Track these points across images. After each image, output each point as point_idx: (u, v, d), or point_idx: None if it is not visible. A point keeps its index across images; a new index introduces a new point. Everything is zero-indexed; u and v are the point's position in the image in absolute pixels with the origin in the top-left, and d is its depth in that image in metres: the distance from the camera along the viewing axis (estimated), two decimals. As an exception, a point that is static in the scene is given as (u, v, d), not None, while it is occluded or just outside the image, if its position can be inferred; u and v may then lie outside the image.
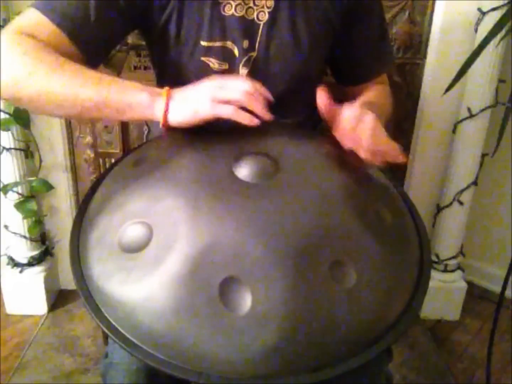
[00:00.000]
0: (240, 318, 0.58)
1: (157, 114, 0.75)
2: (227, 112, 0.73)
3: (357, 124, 0.75)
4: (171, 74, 0.96)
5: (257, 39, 0.90)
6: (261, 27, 0.90)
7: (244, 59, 0.91)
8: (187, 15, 0.88)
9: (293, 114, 0.99)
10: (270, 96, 0.78)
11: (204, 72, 0.91)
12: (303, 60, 0.94)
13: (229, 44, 0.90)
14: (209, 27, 0.89)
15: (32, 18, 0.81)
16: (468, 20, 1.43)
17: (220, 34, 0.89)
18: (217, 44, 0.90)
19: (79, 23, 0.81)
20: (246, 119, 0.73)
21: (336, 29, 0.95)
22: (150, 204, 0.66)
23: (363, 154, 0.75)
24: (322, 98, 0.79)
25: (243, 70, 0.92)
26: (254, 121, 0.73)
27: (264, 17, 0.90)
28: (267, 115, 0.75)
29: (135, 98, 0.75)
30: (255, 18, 0.90)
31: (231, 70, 0.91)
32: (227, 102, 0.73)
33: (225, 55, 0.91)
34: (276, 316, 0.58)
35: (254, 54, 0.91)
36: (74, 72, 0.76)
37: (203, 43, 0.90)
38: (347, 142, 0.77)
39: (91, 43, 0.84)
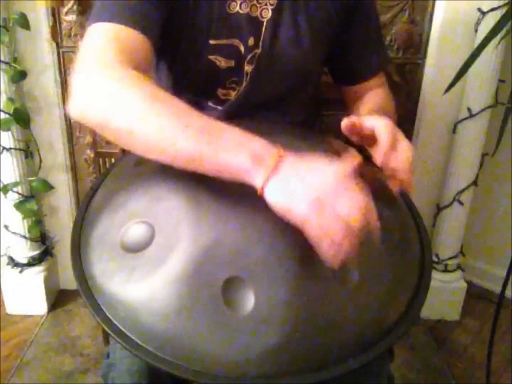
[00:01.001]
0: (243, 318, 0.58)
1: (256, 185, 0.60)
2: (317, 238, 0.57)
3: (393, 141, 0.74)
4: (177, 72, 0.97)
5: (261, 36, 0.91)
6: (264, 24, 0.91)
7: (249, 56, 0.92)
8: (198, 14, 0.89)
9: (295, 113, 1.00)
10: (376, 230, 0.60)
11: (211, 70, 0.92)
12: (304, 58, 0.94)
13: (235, 41, 0.91)
14: (216, 25, 0.89)
15: (105, 32, 0.75)
16: (468, 20, 1.43)
17: (227, 32, 0.90)
18: (224, 42, 0.90)
19: (149, 17, 0.78)
20: (327, 256, 0.57)
21: (336, 28, 0.96)
22: (152, 204, 0.66)
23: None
24: (345, 124, 0.76)
25: (247, 67, 0.92)
26: (335, 264, 0.57)
27: (268, 14, 0.90)
28: (353, 263, 0.60)
29: (234, 161, 0.60)
30: (259, 15, 0.90)
31: (237, 67, 0.92)
32: (324, 224, 0.56)
33: (231, 53, 0.91)
34: (278, 316, 0.58)
35: (258, 51, 0.91)
36: (174, 112, 0.63)
37: (211, 41, 0.90)
38: (381, 160, 0.75)
39: (158, 35, 0.80)
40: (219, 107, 0.97)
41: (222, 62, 0.91)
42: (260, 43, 0.91)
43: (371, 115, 0.82)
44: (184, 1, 0.87)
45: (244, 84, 0.94)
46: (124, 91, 0.65)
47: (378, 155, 0.75)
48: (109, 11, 0.76)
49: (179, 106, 0.64)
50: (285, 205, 0.58)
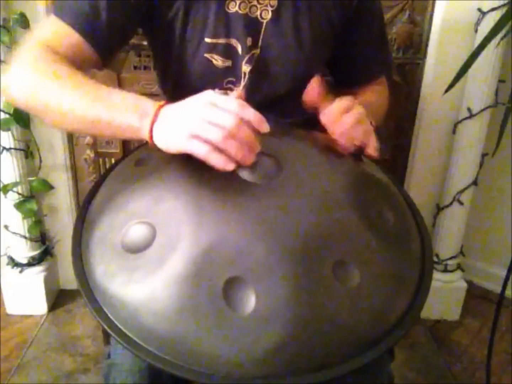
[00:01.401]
0: (244, 318, 0.58)
1: (145, 136, 0.70)
2: (200, 152, 0.65)
3: (345, 111, 0.77)
4: (174, 72, 0.96)
5: (260, 37, 0.91)
6: (264, 25, 0.91)
7: (247, 57, 0.92)
8: (193, 12, 0.89)
9: (295, 114, 0.99)
10: (266, 128, 0.67)
11: (207, 69, 0.92)
12: (305, 60, 0.94)
13: (232, 41, 0.91)
14: (213, 24, 0.90)
15: (49, 24, 0.84)
16: (468, 20, 1.43)
17: (224, 31, 0.90)
18: (221, 41, 0.91)
19: (91, 20, 0.83)
20: (218, 164, 0.65)
21: (338, 30, 0.96)
22: (152, 204, 0.66)
23: (338, 136, 0.77)
24: (314, 87, 0.81)
25: (245, 67, 0.92)
26: (227, 167, 0.65)
27: (267, 15, 0.90)
28: (246, 160, 0.66)
29: (126, 120, 0.70)
30: (259, 16, 0.90)
31: (234, 67, 0.92)
32: (206, 141, 0.64)
33: (228, 52, 0.91)
34: (279, 316, 0.58)
35: (257, 51, 0.92)
36: (74, 86, 0.74)
37: (207, 40, 0.90)
38: (330, 126, 0.78)
39: (104, 40, 0.85)
40: None
41: (219, 61, 0.92)
42: (259, 44, 0.91)
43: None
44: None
45: (242, 84, 0.94)
46: (38, 75, 0.76)
47: (326, 115, 0.78)
48: (62, 5, 0.85)
49: (77, 79, 0.75)
50: (167, 143, 0.68)
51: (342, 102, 0.78)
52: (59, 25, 0.82)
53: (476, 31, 1.42)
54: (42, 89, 0.75)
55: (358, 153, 0.79)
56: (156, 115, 0.69)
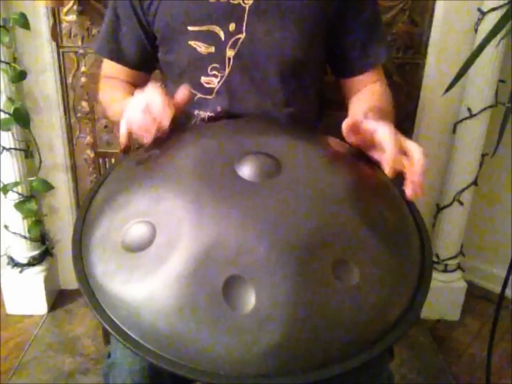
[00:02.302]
0: (244, 317, 0.58)
1: None
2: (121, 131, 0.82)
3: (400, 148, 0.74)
4: (170, 63, 1.02)
5: (244, 21, 0.93)
6: (247, 9, 0.93)
7: (230, 41, 0.94)
8: (173, 4, 0.94)
9: (291, 104, 0.99)
10: (164, 124, 0.79)
11: (193, 55, 0.96)
12: (291, 44, 0.95)
13: (215, 27, 0.93)
14: (194, 12, 0.93)
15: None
16: (468, 20, 1.43)
17: (205, 19, 0.93)
18: (203, 28, 0.94)
19: (109, 40, 1.06)
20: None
21: (331, 16, 0.97)
22: (153, 203, 0.66)
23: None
24: (345, 127, 0.77)
25: (230, 52, 0.94)
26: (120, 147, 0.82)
27: (249, 0, 0.92)
28: (121, 145, 0.82)
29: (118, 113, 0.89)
30: (241, 2, 0.92)
31: (218, 52, 0.95)
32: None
33: (211, 39, 0.94)
34: (279, 315, 0.58)
35: (242, 36, 0.93)
36: (111, 100, 1.06)
37: (190, 27, 0.94)
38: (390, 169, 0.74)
39: (129, 56, 1.05)
40: (208, 97, 0.98)
41: (202, 48, 0.95)
42: (244, 28, 0.93)
43: (369, 114, 0.81)
44: None
45: (228, 69, 0.95)
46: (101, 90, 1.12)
47: (386, 162, 0.74)
48: (96, 43, 1.11)
49: (112, 91, 1.07)
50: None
51: (393, 145, 0.74)
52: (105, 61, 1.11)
53: (476, 31, 1.42)
54: (103, 98, 1.12)
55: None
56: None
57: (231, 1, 0.92)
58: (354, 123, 0.77)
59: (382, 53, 1.04)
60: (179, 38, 0.96)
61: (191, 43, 0.95)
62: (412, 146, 0.74)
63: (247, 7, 0.92)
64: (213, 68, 0.96)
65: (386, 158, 0.74)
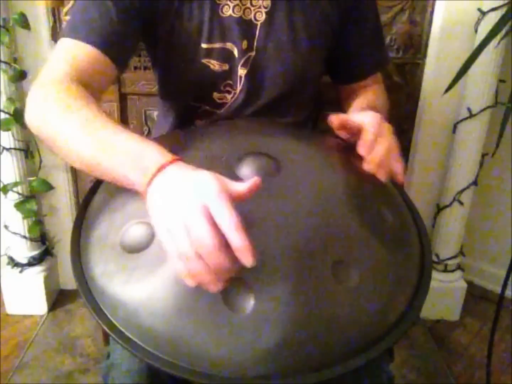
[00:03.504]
0: (242, 318, 0.58)
1: (140, 191, 0.63)
2: (168, 251, 0.57)
3: (378, 133, 0.77)
4: (173, 77, 0.96)
5: (255, 39, 0.91)
6: (258, 27, 0.91)
7: (243, 59, 0.92)
8: (187, 18, 0.89)
9: (294, 114, 0.99)
10: (247, 261, 0.54)
11: (205, 73, 0.92)
12: (302, 60, 0.94)
13: (228, 45, 0.91)
14: (208, 29, 0.89)
15: (63, 46, 0.83)
16: (468, 20, 1.43)
17: (219, 36, 0.90)
18: (217, 45, 0.90)
19: (106, 33, 0.82)
20: (178, 270, 0.56)
21: (335, 28, 0.96)
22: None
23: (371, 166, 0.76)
24: (334, 121, 0.79)
25: (242, 70, 0.92)
26: (187, 281, 0.56)
27: (261, 17, 0.90)
28: (209, 287, 0.56)
29: (123, 173, 0.65)
30: (253, 18, 0.90)
31: (231, 70, 0.92)
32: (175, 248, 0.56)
33: (225, 56, 0.91)
34: (278, 316, 0.58)
35: (252, 54, 0.92)
36: (82, 124, 0.70)
37: (203, 45, 0.90)
38: (368, 155, 0.77)
39: (119, 49, 0.85)
40: (217, 111, 0.97)
41: (216, 66, 0.91)
42: (255, 46, 0.91)
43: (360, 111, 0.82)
44: (169, 6, 0.88)
45: (239, 87, 0.94)
46: (49, 105, 0.73)
47: (362, 145, 0.77)
48: (72, 26, 0.84)
49: (86, 114, 0.71)
50: (154, 215, 0.59)
51: (373, 128, 0.77)
52: (73, 44, 0.81)
53: (476, 31, 1.41)
54: (52, 121, 0.72)
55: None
56: (153, 177, 0.61)
57: (244, 17, 0.90)
58: (340, 120, 0.79)
59: (384, 59, 1.05)
60: (191, 55, 0.91)
61: (204, 61, 0.91)
62: (387, 133, 0.77)
63: (259, 23, 0.91)
64: (227, 85, 0.94)
65: (363, 140, 0.76)
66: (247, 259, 0.53)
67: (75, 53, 0.81)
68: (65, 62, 0.80)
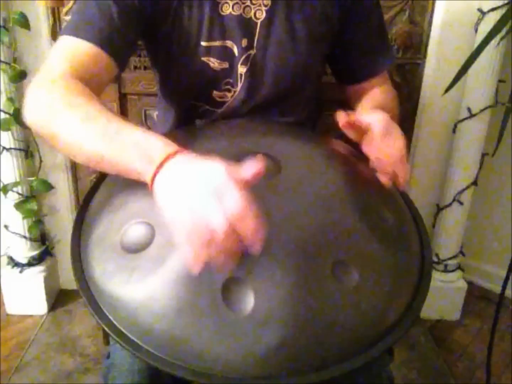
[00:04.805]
0: (243, 318, 0.58)
1: (147, 182, 0.64)
2: (178, 237, 0.57)
3: (385, 135, 0.76)
4: (173, 76, 0.96)
5: (255, 37, 0.91)
6: (258, 25, 0.91)
7: (243, 57, 0.92)
8: (187, 17, 0.89)
9: (294, 113, 0.99)
10: (256, 248, 0.56)
11: (205, 72, 0.91)
12: (301, 59, 0.94)
13: (228, 43, 0.91)
14: (208, 27, 0.89)
15: (63, 44, 0.83)
16: (468, 20, 1.43)
17: (219, 34, 0.90)
18: (217, 43, 0.91)
19: (107, 31, 0.82)
20: (188, 257, 0.57)
21: (336, 27, 0.96)
22: (152, 204, 0.66)
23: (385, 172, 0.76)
24: (341, 119, 0.77)
25: (241, 69, 0.92)
26: (194, 267, 0.56)
27: (261, 15, 0.90)
28: (218, 269, 0.57)
29: (129, 164, 0.66)
30: (253, 17, 0.90)
31: (231, 68, 0.92)
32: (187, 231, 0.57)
33: (225, 54, 0.91)
34: (278, 317, 0.58)
35: (253, 52, 0.92)
36: (85, 118, 0.70)
37: (203, 43, 0.90)
38: (373, 155, 0.77)
39: (120, 47, 0.85)
40: (217, 110, 0.97)
41: (215, 64, 0.91)
42: (255, 44, 0.91)
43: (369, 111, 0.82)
44: (168, 5, 0.88)
45: (239, 85, 0.94)
46: (52, 102, 0.73)
47: (368, 146, 0.76)
48: (72, 25, 0.84)
49: (89, 110, 0.71)
50: (162, 203, 0.60)
51: (379, 128, 0.76)
52: (74, 42, 0.81)
53: (476, 31, 1.41)
54: (54, 117, 0.73)
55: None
56: (160, 166, 0.62)
57: (244, 15, 0.90)
58: (349, 120, 0.77)
59: (389, 58, 1.05)
60: (191, 53, 0.91)
61: (204, 59, 0.91)
62: (396, 135, 0.76)
63: (259, 22, 0.91)
64: (227, 83, 0.94)
65: (370, 140, 0.75)
66: (255, 247, 0.55)
67: (75, 50, 0.81)
68: (65, 59, 0.80)
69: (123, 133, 0.68)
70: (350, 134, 0.81)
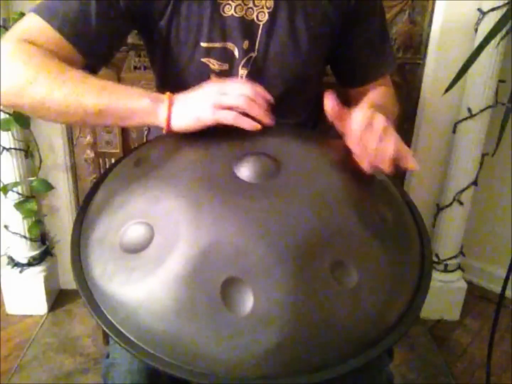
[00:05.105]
0: (242, 318, 0.58)
1: (160, 120, 0.75)
2: (228, 118, 0.73)
3: (367, 127, 0.72)
4: (172, 76, 0.96)
5: (257, 39, 0.91)
6: (260, 27, 0.90)
7: (244, 60, 0.91)
8: (186, 17, 0.88)
9: (294, 115, 0.99)
10: (270, 98, 0.77)
11: (205, 73, 0.91)
12: (302, 61, 0.94)
13: (229, 45, 0.90)
14: (208, 28, 0.89)
15: (32, 24, 0.82)
16: (468, 20, 1.43)
17: (220, 35, 0.90)
18: (217, 45, 0.90)
19: (80, 27, 0.82)
20: (247, 125, 0.73)
21: (337, 30, 0.95)
22: (151, 204, 0.66)
23: (367, 162, 0.73)
24: (329, 102, 0.75)
25: (242, 71, 0.92)
26: (255, 126, 0.74)
27: (264, 17, 0.90)
28: (267, 119, 0.75)
29: (137, 104, 0.75)
30: (255, 19, 0.90)
31: (231, 70, 0.92)
32: (228, 108, 0.73)
33: (225, 56, 0.91)
34: (277, 317, 0.58)
35: (254, 54, 0.91)
36: (76, 79, 0.76)
37: (203, 44, 0.90)
38: (356, 147, 0.74)
39: (93, 46, 0.84)
40: None
41: (215, 65, 0.91)
42: (256, 47, 0.91)
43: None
44: (164, 5, 0.87)
45: None
46: (33, 69, 0.76)
47: (349, 137, 0.75)
48: (48, 7, 0.82)
49: (80, 73, 0.77)
50: (193, 118, 0.74)
51: (361, 116, 0.74)
52: (43, 26, 0.81)
53: (476, 31, 1.41)
54: (38, 83, 0.75)
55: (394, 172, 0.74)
56: (171, 100, 0.75)
57: (246, 17, 0.89)
58: (336, 111, 0.76)
59: (389, 63, 1.04)
60: (190, 53, 0.91)
61: (204, 60, 0.91)
62: (379, 124, 0.73)
63: (261, 24, 0.90)
64: None
65: (351, 129, 0.74)
66: (268, 96, 0.77)
67: (44, 36, 0.80)
68: (35, 39, 0.80)
69: (119, 86, 0.78)
70: (339, 126, 0.78)
